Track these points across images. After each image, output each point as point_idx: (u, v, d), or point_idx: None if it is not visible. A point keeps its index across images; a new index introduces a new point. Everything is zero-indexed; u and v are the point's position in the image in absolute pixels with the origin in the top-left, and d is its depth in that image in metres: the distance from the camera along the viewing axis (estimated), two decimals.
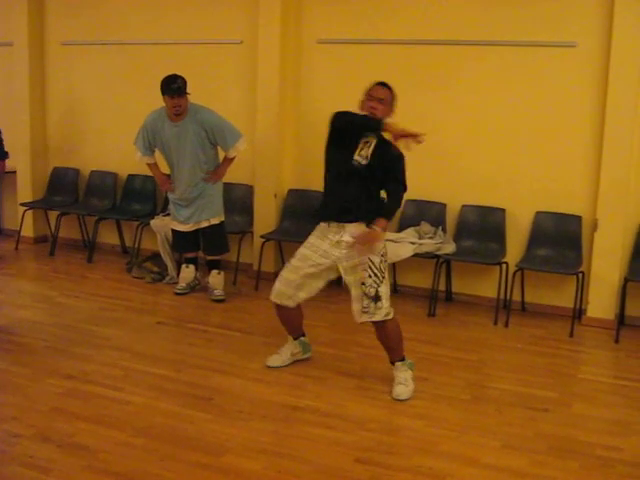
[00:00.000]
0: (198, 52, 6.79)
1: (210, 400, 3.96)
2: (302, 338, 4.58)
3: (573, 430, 3.74)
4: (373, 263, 4.08)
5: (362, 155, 4.11)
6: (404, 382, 4.16)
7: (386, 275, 4.14)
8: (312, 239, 4.25)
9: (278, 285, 4.29)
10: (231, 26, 6.64)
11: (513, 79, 5.72)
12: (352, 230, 4.10)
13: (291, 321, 4.48)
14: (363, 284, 4.08)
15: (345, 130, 4.14)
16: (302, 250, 4.25)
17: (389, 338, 4.20)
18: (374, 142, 4.12)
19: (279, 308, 4.36)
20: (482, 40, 5.75)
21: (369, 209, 4.12)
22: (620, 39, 5.23)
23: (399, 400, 4.06)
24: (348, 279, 4.17)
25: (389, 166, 4.15)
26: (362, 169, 4.09)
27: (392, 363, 4.25)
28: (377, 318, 4.11)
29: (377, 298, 4.07)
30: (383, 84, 4.20)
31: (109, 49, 7.23)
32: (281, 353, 4.55)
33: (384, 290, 4.10)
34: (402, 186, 4.21)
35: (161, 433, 3.55)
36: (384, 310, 4.09)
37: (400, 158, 4.16)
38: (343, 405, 3.95)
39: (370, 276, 4.07)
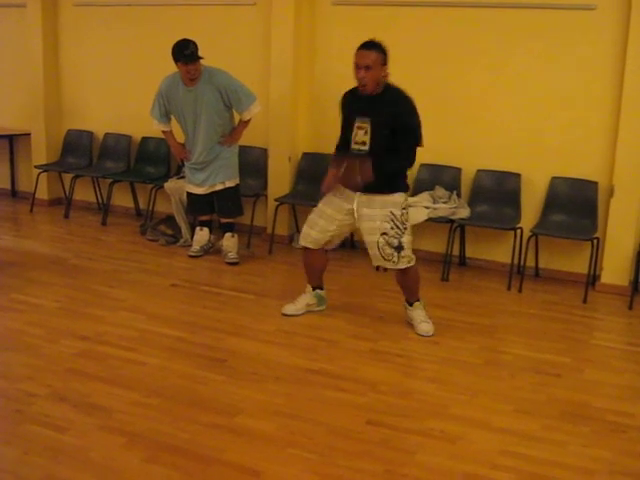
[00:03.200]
0: (211, 13, 6.72)
1: (224, 362, 3.99)
2: (319, 291, 4.76)
3: (585, 395, 3.75)
4: (395, 216, 4.26)
5: (358, 142, 4.24)
6: (425, 320, 4.52)
7: (408, 226, 4.35)
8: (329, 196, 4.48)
9: (306, 228, 4.55)
10: None
11: (530, 43, 5.63)
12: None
13: (314, 267, 4.70)
14: (385, 234, 4.26)
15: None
16: (326, 197, 4.48)
17: (409, 281, 4.53)
18: (368, 127, 4.18)
19: (306, 252, 4.62)
20: (499, 3, 5.65)
21: (378, 180, 4.23)
22: None
23: (427, 336, 4.43)
24: (362, 226, 4.35)
25: (400, 136, 4.18)
26: (365, 153, 4.23)
27: (409, 304, 4.57)
28: (401, 266, 4.37)
29: (400, 248, 4.31)
30: (367, 45, 4.10)
31: (122, 10, 7.17)
32: (296, 302, 4.74)
33: (406, 240, 4.32)
34: (412, 152, 4.27)
35: (175, 394, 3.58)
36: (406, 258, 4.36)
37: (410, 123, 4.19)
38: (356, 368, 3.97)
39: (392, 228, 4.27)
